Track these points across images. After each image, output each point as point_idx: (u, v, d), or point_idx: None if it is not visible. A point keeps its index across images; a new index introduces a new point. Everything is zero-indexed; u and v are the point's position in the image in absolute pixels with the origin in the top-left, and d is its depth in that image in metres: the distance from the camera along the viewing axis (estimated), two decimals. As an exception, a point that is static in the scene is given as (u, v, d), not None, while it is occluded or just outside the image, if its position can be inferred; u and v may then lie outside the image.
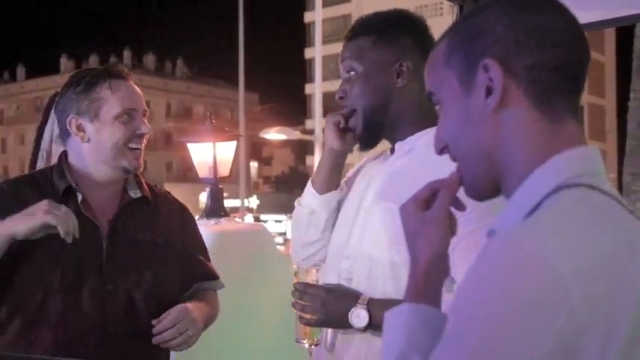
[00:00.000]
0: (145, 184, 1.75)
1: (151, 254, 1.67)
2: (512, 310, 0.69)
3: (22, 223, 1.45)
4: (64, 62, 51.86)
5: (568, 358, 0.69)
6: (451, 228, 0.93)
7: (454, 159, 0.90)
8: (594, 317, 0.69)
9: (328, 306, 1.42)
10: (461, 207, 0.95)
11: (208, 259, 1.87)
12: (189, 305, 1.65)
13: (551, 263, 0.70)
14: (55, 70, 51.14)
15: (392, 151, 1.56)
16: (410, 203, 0.95)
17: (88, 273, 1.58)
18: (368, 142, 1.54)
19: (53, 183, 1.63)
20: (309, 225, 1.61)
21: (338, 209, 1.61)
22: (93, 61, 50.79)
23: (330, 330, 1.50)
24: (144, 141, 1.68)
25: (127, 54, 52.68)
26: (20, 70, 55.13)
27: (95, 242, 1.60)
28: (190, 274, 1.79)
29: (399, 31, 1.53)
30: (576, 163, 0.82)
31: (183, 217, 1.82)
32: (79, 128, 1.63)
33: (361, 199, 1.54)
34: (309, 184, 1.63)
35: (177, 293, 1.73)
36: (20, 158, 46.05)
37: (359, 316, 1.39)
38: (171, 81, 52.35)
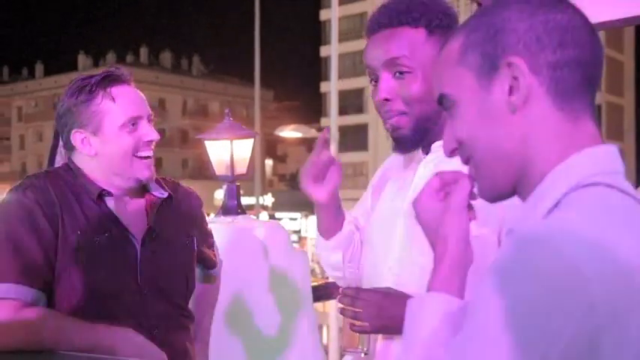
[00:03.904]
0: (161, 181, 1.73)
1: (181, 254, 1.69)
2: (532, 303, 0.69)
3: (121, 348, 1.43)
4: (82, 59, 52.18)
5: (589, 354, 0.69)
6: (469, 214, 0.95)
7: (466, 160, 0.90)
8: (615, 315, 0.69)
9: (385, 311, 1.28)
10: (474, 196, 0.96)
11: (212, 244, 1.90)
12: None
13: (572, 261, 0.70)
14: (73, 67, 51.49)
15: (424, 150, 1.43)
16: (425, 195, 0.97)
17: (126, 278, 1.56)
18: (409, 146, 1.40)
19: (81, 185, 1.58)
20: (335, 266, 1.56)
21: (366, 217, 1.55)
22: (110, 58, 51.08)
23: (379, 337, 1.38)
24: (152, 147, 1.62)
25: (143, 51, 52.90)
26: (39, 67, 55.57)
27: (131, 247, 1.58)
28: (204, 265, 1.85)
29: (448, 25, 1.36)
30: (595, 162, 0.81)
31: (195, 205, 1.81)
32: (84, 142, 1.58)
33: (399, 203, 1.42)
34: (317, 234, 1.56)
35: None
36: (38, 155, 46.48)
37: None
38: (187, 78, 52.49)
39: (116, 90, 1.57)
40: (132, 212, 1.62)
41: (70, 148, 1.62)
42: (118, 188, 1.61)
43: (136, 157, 1.58)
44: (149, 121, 1.62)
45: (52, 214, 1.50)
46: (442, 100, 0.91)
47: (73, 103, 1.57)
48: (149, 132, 1.60)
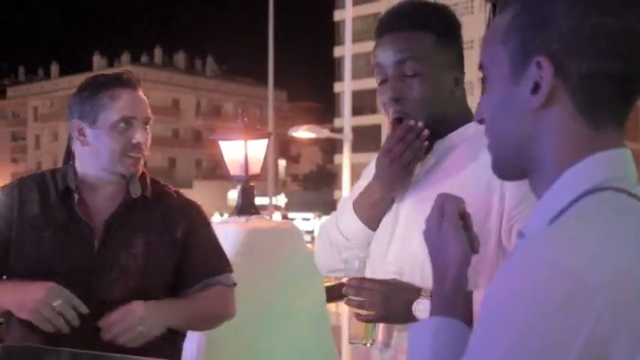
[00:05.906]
0: (149, 183, 1.75)
1: (142, 254, 1.67)
2: (538, 320, 0.68)
3: (14, 307, 1.59)
4: (97, 60, 52.63)
5: None
6: (471, 244, 0.97)
7: (486, 134, 0.90)
8: (622, 324, 0.68)
9: (390, 299, 1.30)
10: (469, 224, 0.98)
11: (220, 255, 1.83)
12: (139, 303, 1.60)
13: (575, 272, 0.68)
14: (88, 67, 51.88)
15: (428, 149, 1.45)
16: (432, 215, 0.98)
17: (76, 275, 1.61)
18: (425, 150, 1.39)
19: (56, 182, 1.71)
20: (363, 258, 1.46)
21: None
22: (125, 59, 51.48)
23: (382, 327, 1.40)
24: (143, 150, 1.70)
25: (157, 52, 53.30)
26: (54, 68, 56.15)
27: (87, 243, 1.65)
28: (194, 271, 1.76)
29: (455, 34, 1.41)
30: (605, 166, 0.80)
31: (188, 215, 1.78)
32: (80, 132, 1.70)
33: (400, 200, 1.45)
34: (351, 212, 1.47)
35: (167, 293, 1.71)
36: (53, 155, 46.86)
37: (425, 307, 1.25)
38: (201, 79, 52.78)
39: (119, 91, 1.68)
40: (98, 209, 1.69)
41: (71, 137, 1.75)
42: (103, 179, 1.71)
43: (125, 155, 1.68)
44: (145, 124, 1.71)
45: (7, 216, 1.67)
46: (481, 68, 0.89)
47: (79, 96, 1.71)
48: (138, 134, 1.68)
